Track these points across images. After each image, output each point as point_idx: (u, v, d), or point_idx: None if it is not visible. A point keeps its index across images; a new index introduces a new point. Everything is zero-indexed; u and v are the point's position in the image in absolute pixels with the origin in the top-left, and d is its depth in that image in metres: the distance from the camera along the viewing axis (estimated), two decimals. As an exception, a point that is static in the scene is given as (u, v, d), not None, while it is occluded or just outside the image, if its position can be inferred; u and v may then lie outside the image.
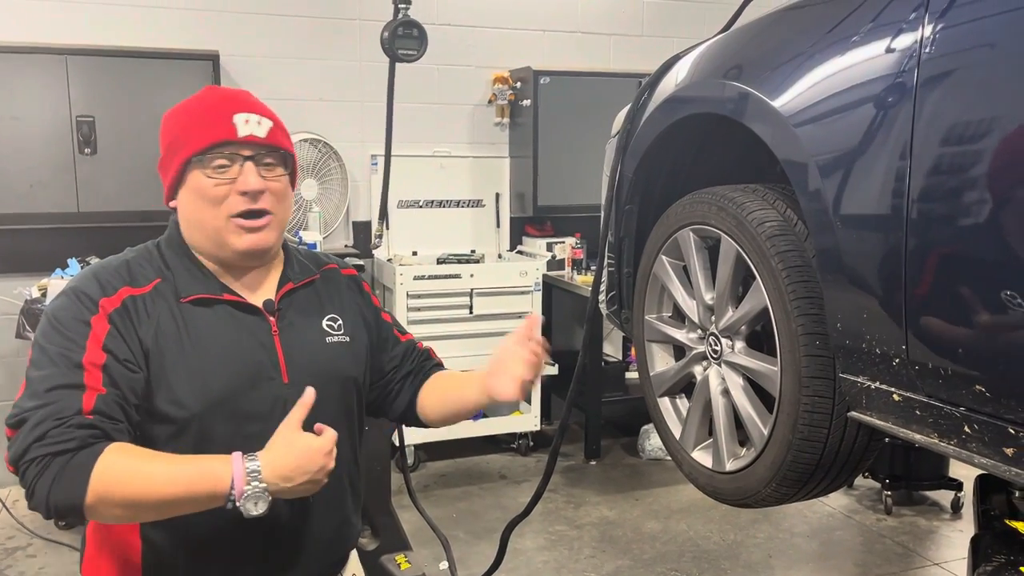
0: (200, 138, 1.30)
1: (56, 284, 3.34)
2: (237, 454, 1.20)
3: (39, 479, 1.15)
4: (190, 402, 1.27)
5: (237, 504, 1.18)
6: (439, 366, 1.62)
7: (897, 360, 1.21)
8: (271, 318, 1.37)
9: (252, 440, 1.27)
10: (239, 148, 1.30)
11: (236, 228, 1.32)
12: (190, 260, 1.36)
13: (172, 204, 1.37)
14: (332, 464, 1.24)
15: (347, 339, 1.44)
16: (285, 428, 1.24)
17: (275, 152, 1.34)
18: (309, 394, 1.26)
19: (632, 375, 4.59)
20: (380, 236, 4.26)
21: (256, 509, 1.18)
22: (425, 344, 1.64)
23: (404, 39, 3.52)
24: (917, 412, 1.20)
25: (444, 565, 2.78)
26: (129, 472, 1.17)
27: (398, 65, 4.46)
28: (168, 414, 1.27)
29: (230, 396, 1.29)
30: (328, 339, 1.42)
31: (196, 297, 1.33)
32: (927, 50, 1.15)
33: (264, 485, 1.18)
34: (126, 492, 1.16)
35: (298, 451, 1.21)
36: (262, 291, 1.39)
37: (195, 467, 1.19)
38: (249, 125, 1.31)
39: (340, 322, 1.44)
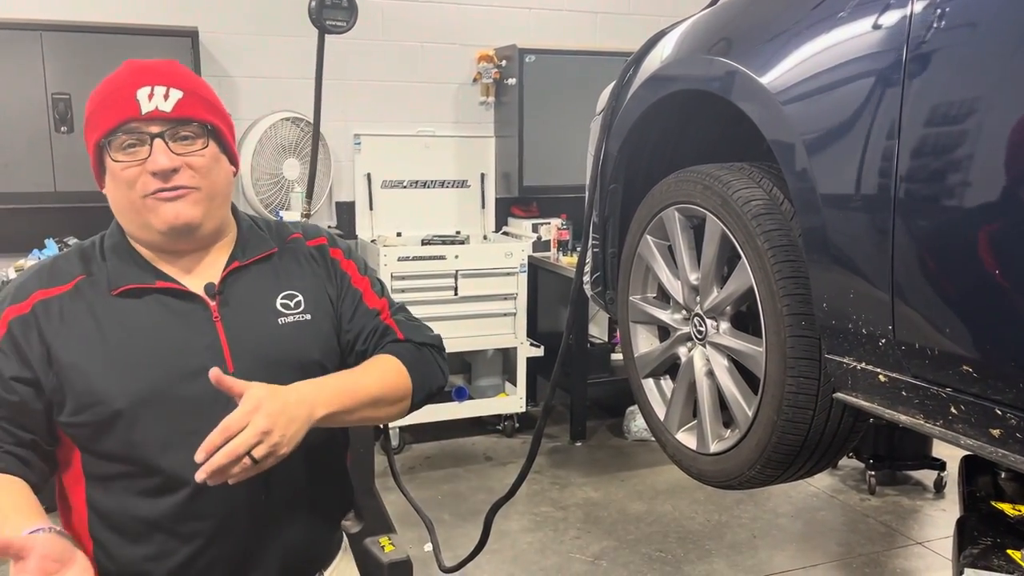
0: (104, 120, 1.22)
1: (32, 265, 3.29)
2: (33, 533, 1.07)
3: None
4: (111, 399, 1.20)
5: None
6: (394, 343, 1.40)
7: (883, 341, 1.19)
8: (212, 303, 1.28)
9: (190, 437, 1.15)
10: (144, 125, 1.21)
11: (153, 203, 1.22)
12: (124, 249, 1.29)
13: (104, 191, 1.29)
14: None
15: (307, 317, 1.33)
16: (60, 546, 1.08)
17: (190, 125, 1.23)
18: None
19: (618, 356, 4.58)
20: (308, 216, 4.02)
21: None
22: (405, 312, 1.47)
23: (332, 9, 3.39)
24: (903, 393, 1.19)
25: (429, 547, 2.77)
26: None
27: (381, 43, 4.41)
28: (89, 412, 1.21)
29: (160, 390, 1.22)
30: (282, 320, 1.31)
31: (125, 288, 1.26)
32: (916, 26, 1.12)
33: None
34: None
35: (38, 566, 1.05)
36: (204, 274, 1.30)
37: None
38: (153, 100, 1.20)
39: (299, 299, 1.33)
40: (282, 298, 1.33)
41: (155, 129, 1.21)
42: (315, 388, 1.22)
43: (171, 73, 1.25)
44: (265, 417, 1.11)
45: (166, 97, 1.21)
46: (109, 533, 1.25)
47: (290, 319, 1.32)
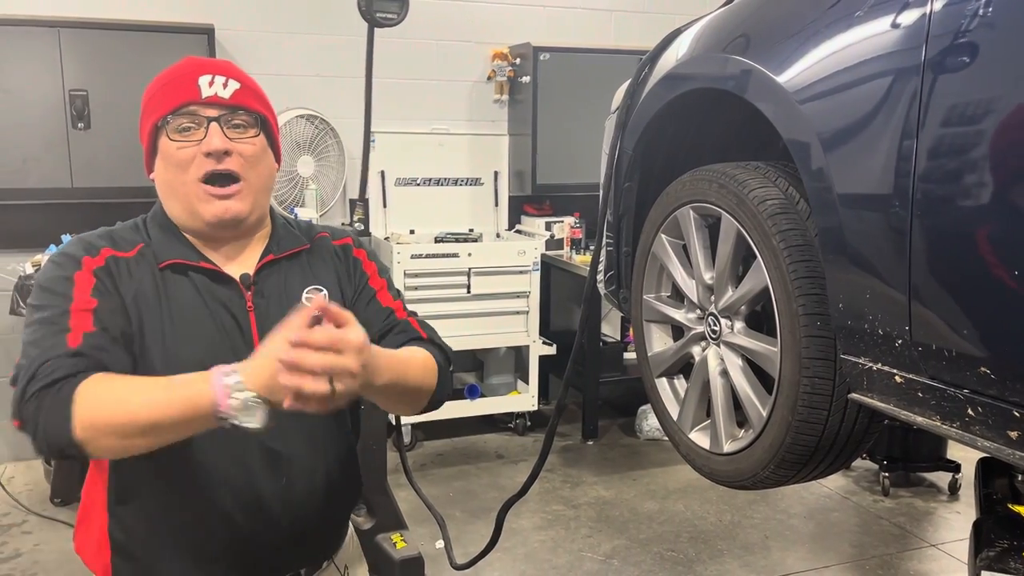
0: (165, 102, 1.28)
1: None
2: (216, 368, 1.11)
3: (35, 417, 1.12)
4: (158, 366, 1.25)
5: (231, 422, 1.08)
6: (419, 340, 1.43)
7: (900, 341, 1.19)
8: (247, 292, 1.34)
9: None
10: (202, 109, 1.28)
11: (205, 195, 1.29)
12: (170, 231, 1.34)
13: (152, 176, 1.35)
14: (339, 363, 1.05)
15: None
16: (278, 332, 1.10)
17: (243, 113, 1.30)
18: (318, 300, 1.12)
19: (630, 355, 4.57)
20: (362, 220, 4.02)
21: (253, 421, 1.07)
22: (417, 316, 1.50)
23: (383, 0, 3.35)
24: (919, 394, 1.18)
25: (440, 544, 2.77)
26: (110, 397, 1.13)
27: (396, 41, 4.42)
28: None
29: (197, 367, 1.22)
30: None
31: (173, 262, 1.31)
32: (935, 25, 1.11)
33: (251, 394, 1.07)
34: (110, 419, 1.11)
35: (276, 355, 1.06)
36: (242, 264, 1.36)
37: (177, 387, 1.13)
38: (214, 86, 1.28)
39: (324, 293, 1.39)
40: (308, 292, 1.39)
41: (212, 113, 1.28)
42: (375, 353, 1.19)
43: (230, 68, 1.34)
44: (361, 357, 1.09)
45: (225, 86, 1.29)
46: (129, 515, 1.28)
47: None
